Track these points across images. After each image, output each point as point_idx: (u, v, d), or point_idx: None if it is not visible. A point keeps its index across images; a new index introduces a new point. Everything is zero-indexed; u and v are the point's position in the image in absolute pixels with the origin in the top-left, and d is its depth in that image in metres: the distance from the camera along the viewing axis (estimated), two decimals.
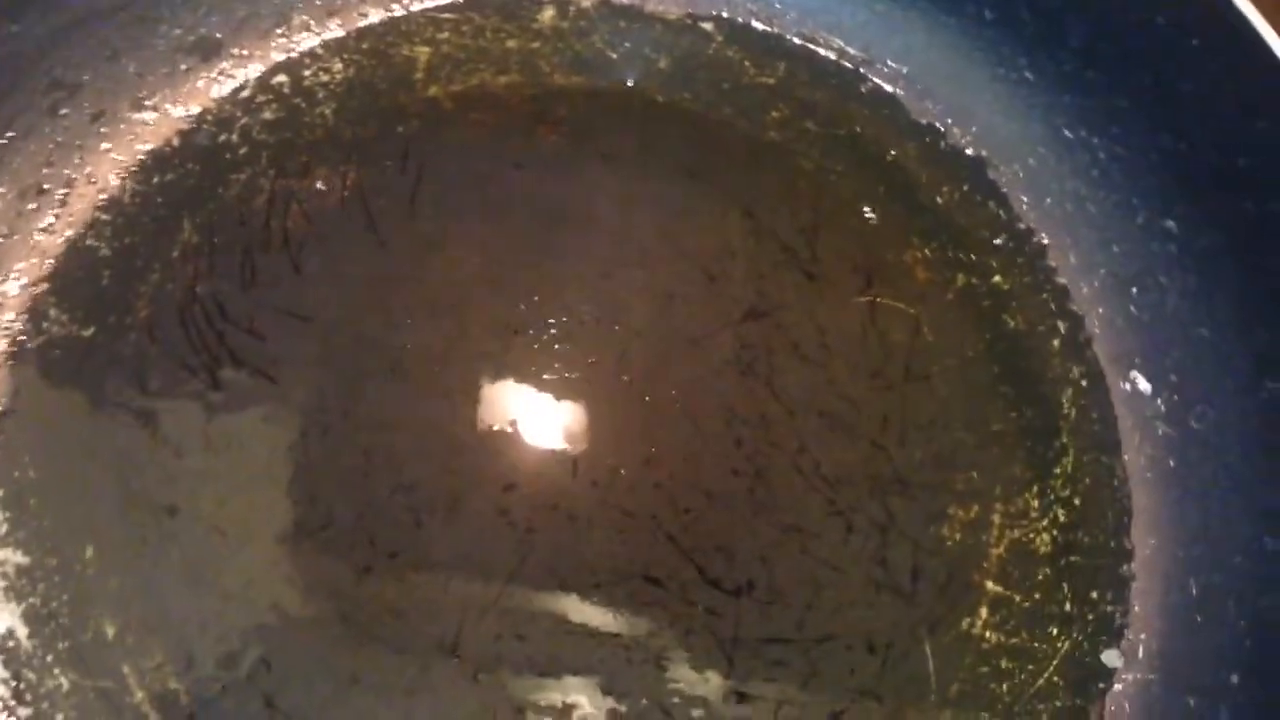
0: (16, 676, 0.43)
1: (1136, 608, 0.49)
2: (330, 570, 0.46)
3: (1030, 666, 0.48)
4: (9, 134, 0.49)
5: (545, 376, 0.50)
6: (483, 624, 0.46)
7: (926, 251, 0.55)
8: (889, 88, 0.57)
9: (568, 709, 0.45)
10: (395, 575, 0.46)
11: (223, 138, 0.53)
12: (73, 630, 0.44)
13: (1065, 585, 0.49)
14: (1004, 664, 0.48)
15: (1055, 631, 0.48)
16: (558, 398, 0.50)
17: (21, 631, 0.44)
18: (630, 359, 0.51)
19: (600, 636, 0.46)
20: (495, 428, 0.49)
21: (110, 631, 0.44)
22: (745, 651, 0.46)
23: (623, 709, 0.45)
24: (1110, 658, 0.48)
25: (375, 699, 0.44)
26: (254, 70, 0.54)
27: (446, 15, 0.57)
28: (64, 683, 0.43)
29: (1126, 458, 0.52)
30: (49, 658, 0.44)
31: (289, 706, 0.44)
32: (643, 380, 0.51)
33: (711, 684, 0.46)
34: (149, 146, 0.52)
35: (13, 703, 0.43)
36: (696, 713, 0.45)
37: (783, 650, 0.47)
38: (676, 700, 0.45)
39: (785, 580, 0.48)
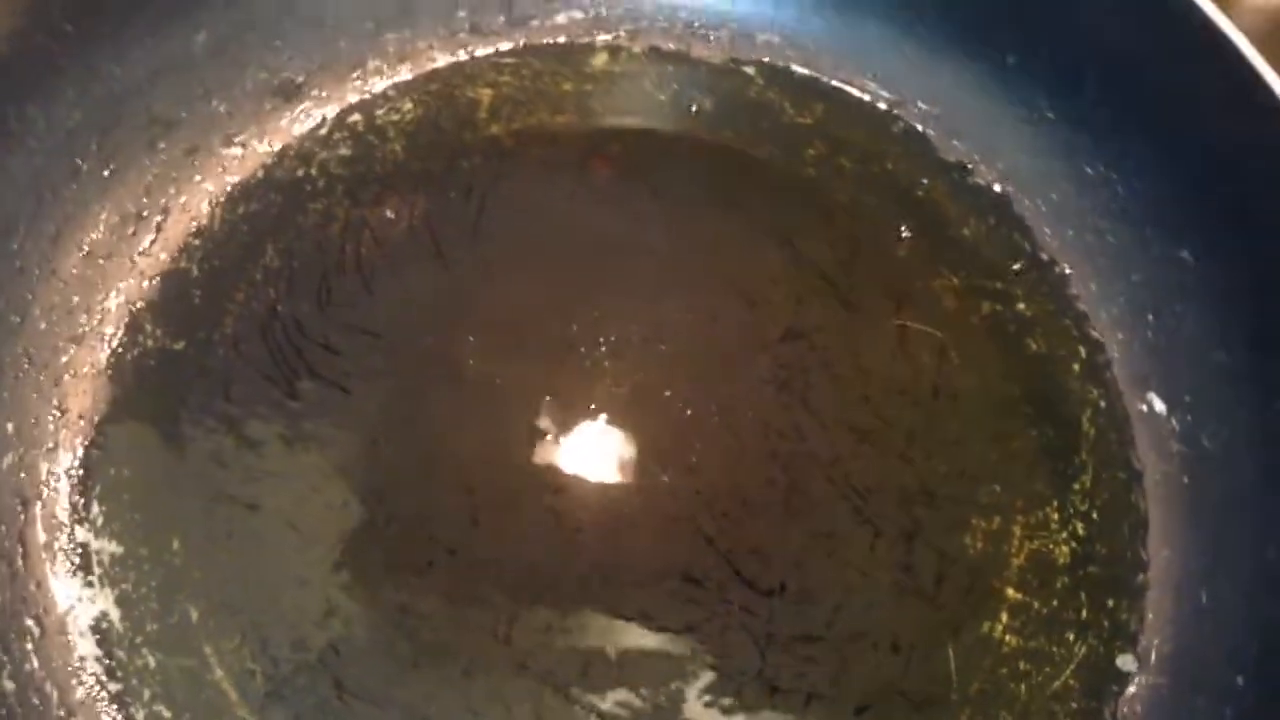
0: (109, 655, 0.48)
1: (1150, 615, 0.52)
2: (394, 564, 0.50)
3: (1048, 669, 0.50)
4: (111, 166, 0.54)
5: (595, 391, 0.54)
6: (533, 615, 0.49)
7: (954, 280, 0.58)
8: (920, 127, 0.61)
9: (609, 694, 0.48)
10: (453, 570, 0.50)
11: (302, 171, 0.58)
12: (160, 614, 0.48)
13: (1082, 593, 0.52)
14: (1022, 666, 0.50)
15: (1072, 636, 0.51)
16: (606, 410, 0.54)
17: (114, 614, 0.48)
18: (674, 376, 0.55)
19: (641, 629, 0.49)
20: (548, 436, 0.53)
21: (194, 615, 0.48)
22: (777, 648, 0.50)
23: (661, 697, 0.48)
24: (1124, 662, 0.51)
25: (434, 682, 0.48)
26: (331, 110, 0.59)
27: (507, 60, 0.61)
28: (151, 661, 0.48)
29: (1143, 474, 0.54)
30: (138, 639, 0.48)
31: (355, 687, 0.47)
32: (685, 395, 0.54)
33: (745, 677, 0.49)
34: (236, 178, 0.57)
35: (105, 679, 0.47)
36: (730, 702, 0.48)
37: (813, 648, 0.50)
38: (712, 691, 0.49)
39: (816, 582, 0.51)
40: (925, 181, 0.60)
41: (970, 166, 0.60)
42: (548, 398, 0.54)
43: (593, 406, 0.54)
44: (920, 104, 0.61)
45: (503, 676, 0.48)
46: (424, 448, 0.52)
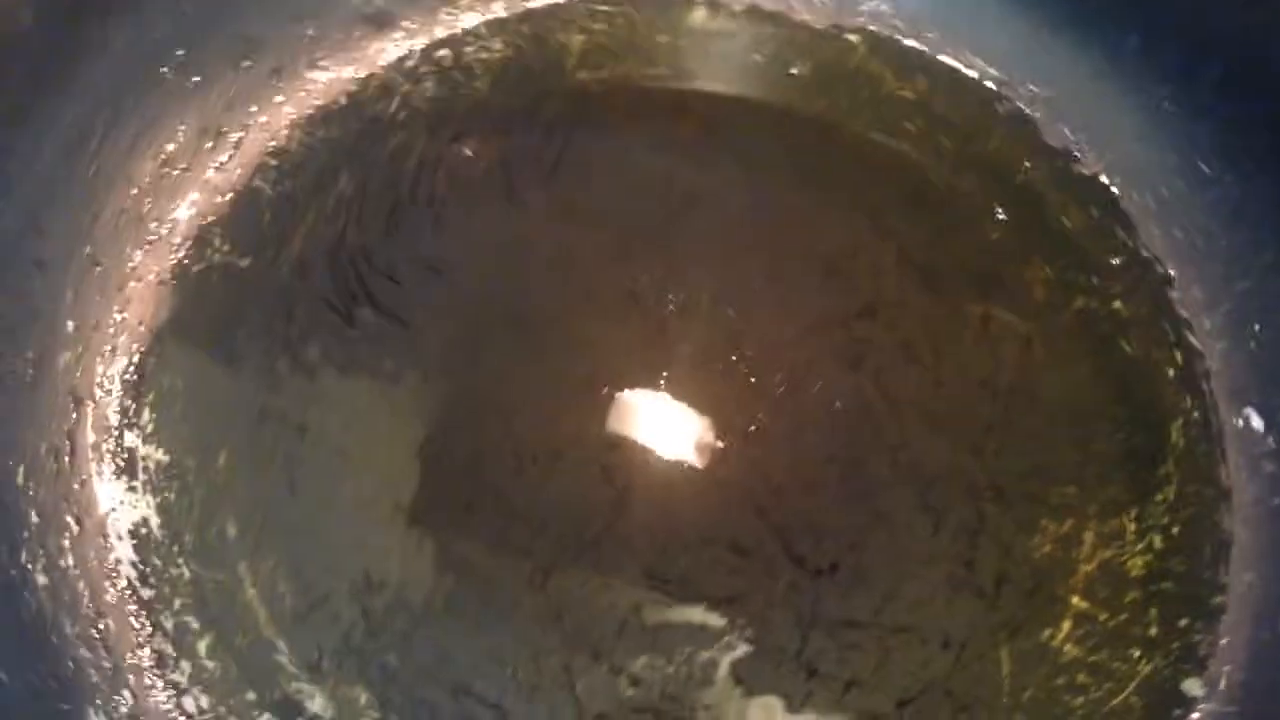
0: (145, 562, 0.47)
1: (1224, 640, 0.48)
2: (437, 501, 0.49)
3: (1108, 685, 0.48)
4: (195, 79, 0.54)
5: (658, 348, 0.52)
6: (572, 570, 0.48)
7: (1047, 270, 0.55)
8: (1026, 109, 0.58)
9: (640, 657, 0.47)
10: (496, 512, 0.49)
11: (384, 102, 0.57)
12: (199, 526, 0.48)
13: (1153, 610, 0.49)
14: (1081, 678, 0.48)
15: (1137, 654, 0.48)
16: (668, 369, 0.52)
17: (154, 521, 0.48)
18: (742, 341, 0.53)
19: (681, 596, 0.48)
20: (605, 390, 0.51)
21: (232, 532, 0.48)
22: (821, 630, 0.48)
23: (693, 667, 0.47)
24: (1191, 686, 0.48)
25: (463, 624, 0.47)
26: (420, 43, 0.58)
27: (603, 7, 0.60)
28: (185, 572, 0.47)
29: (1231, 493, 0.51)
30: (175, 548, 0.48)
31: (382, 620, 0.47)
32: (751, 362, 0.52)
33: (784, 656, 0.47)
34: (318, 103, 0.56)
35: (138, 584, 0.47)
36: (764, 680, 0.46)
37: (858, 634, 0.48)
38: (746, 666, 0.47)
39: (868, 567, 0.49)
40: (1027, 166, 0.57)
41: (1076, 154, 0.57)
42: (609, 351, 0.52)
43: (654, 364, 0.52)
44: (1029, 85, 0.58)
45: (534, 626, 0.47)
46: (478, 389, 0.51)
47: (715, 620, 0.47)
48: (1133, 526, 0.50)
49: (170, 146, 0.53)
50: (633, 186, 0.56)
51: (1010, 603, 0.48)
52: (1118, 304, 0.55)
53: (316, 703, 0.45)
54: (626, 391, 0.51)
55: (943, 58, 0.60)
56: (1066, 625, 0.48)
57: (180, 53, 0.53)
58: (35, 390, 0.48)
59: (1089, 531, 0.50)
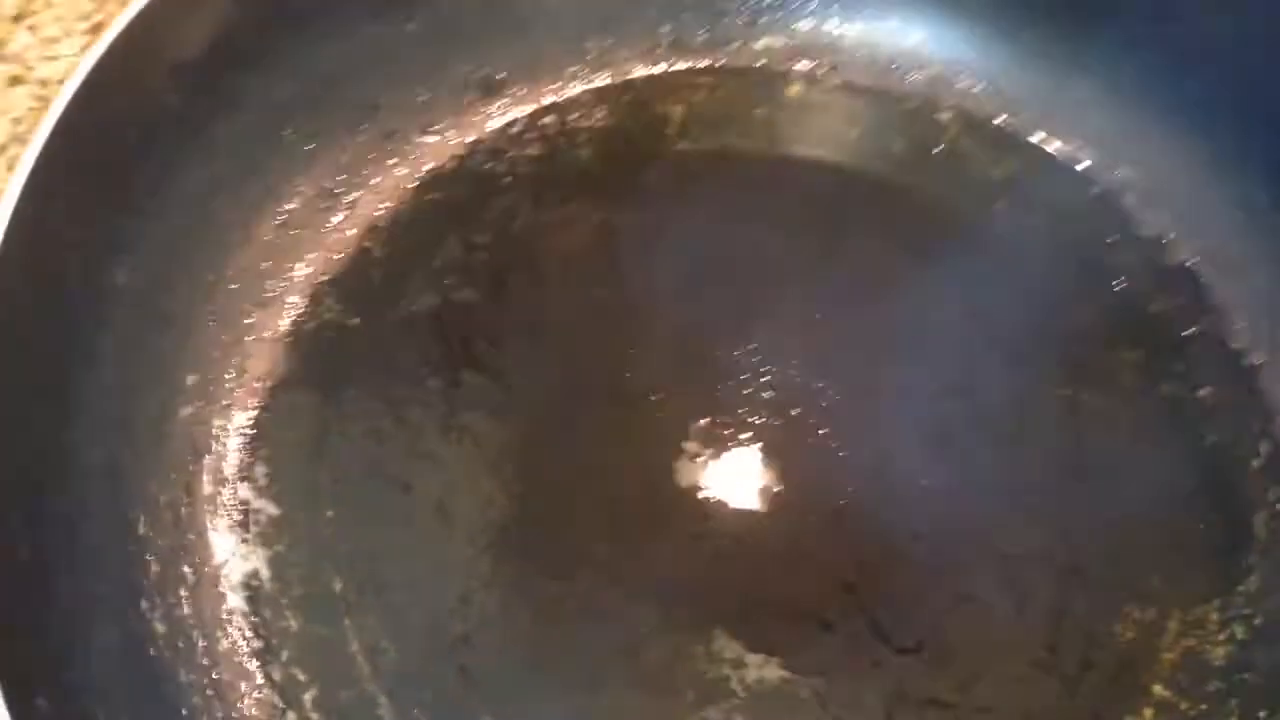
0: (256, 613, 0.49)
1: None
2: (533, 566, 0.50)
3: None
4: (315, 142, 0.56)
5: (752, 419, 0.53)
6: (664, 635, 0.49)
7: (1134, 356, 0.56)
8: (1118, 193, 0.59)
9: None
10: (590, 579, 0.50)
11: (491, 166, 0.59)
12: (307, 579, 0.50)
13: (1234, 700, 0.49)
14: None
15: None
16: (759, 441, 0.53)
17: (265, 574, 0.50)
18: (831, 416, 0.54)
19: (770, 665, 0.49)
20: (699, 459, 0.53)
21: (338, 586, 0.50)
22: (905, 708, 0.49)
23: None
24: None
25: (558, 688, 0.48)
26: (526, 109, 0.60)
27: (704, 79, 0.62)
28: (293, 624, 0.49)
29: None
30: (284, 600, 0.49)
31: (480, 680, 0.48)
32: (840, 436, 0.54)
33: None
34: (429, 166, 0.58)
35: (249, 634, 0.49)
36: None
37: (943, 714, 0.49)
38: None
39: (953, 647, 0.50)
40: (1117, 250, 0.58)
41: (1166, 241, 0.58)
42: (702, 421, 0.54)
43: (746, 436, 0.53)
44: (1123, 169, 0.59)
45: (625, 692, 0.48)
46: (575, 454, 0.53)
47: (804, 692, 0.48)
48: (1215, 616, 0.51)
49: (290, 206, 0.55)
50: (729, 257, 0.57)
51: (1093, 688, 0.49)
52: (1203, 391, 0.55)
53: None
54: (719, 461, 0.53)
55: (1034, 139, 0.61)
56: (1148, 713, 0.49)
57: (301, 116, 0.55)
58: (158, 443, 0.50)
59: (1172, 620, 0.51)
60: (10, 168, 0.59)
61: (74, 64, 0.60)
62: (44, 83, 0.62)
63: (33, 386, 0.44)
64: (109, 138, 0.47)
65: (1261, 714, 0.49)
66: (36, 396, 0.44)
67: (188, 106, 0.50)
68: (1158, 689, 0.49)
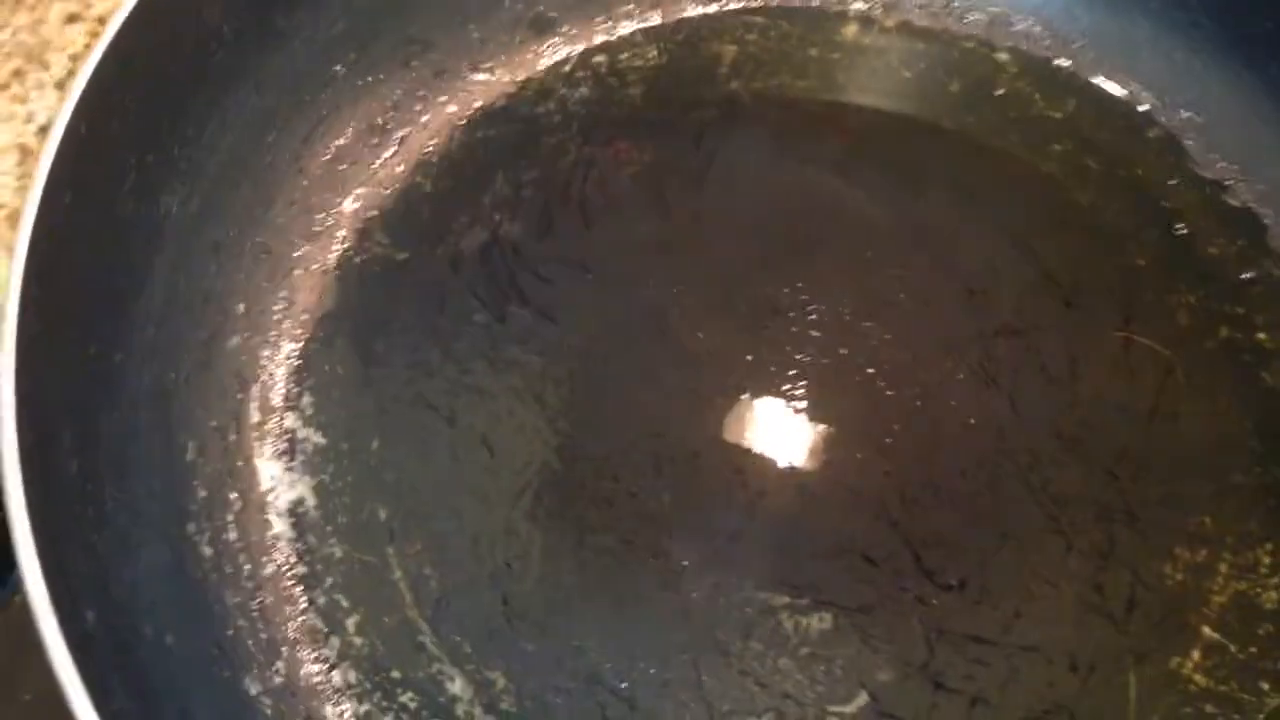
0: (300, 539, 0.50)
1: None
2: (576, 497, 0.50)
3: (1235, 716, 0.47)
4: (366, 78, 0.56)
5: (798, 357, 0.53)
6: (704, 571, 0.49)
7: (1191, 298, 0.55)
8: (1178, 135, 0.58)
9: (769, 661, 0.48)
10: (632, 512, 0.50)
11: (542, 105, 0.59)
12: (351, 508, 0.50)
13: None
14: (1208, 708, 0.47)
15: (1267, 687, 0.48)
16: (805, 379, 0.53)
17: (310, 501, 0.50)
18: (879, 355, 0.54)
19: (811, 602, 0.49)
20: (744, 397, 0.52)
21: (382, 515, 0.50)
22: (948, 645, 0.48)
23: (820, 679, 0.48)
24: None
25: (597, 617, 0.48)
26: (578, 48, 0.60)
27: (757, 19, 0.61)
28: (337, 551, 0.50)
29: None
30: (328, 528, 0.50)
31: (521, 608, 0.48)
32: (888, 376, 0.53)
33: (910, 668, 0.48)
34: (479, 104, 0.58)
35: (294, 559, 0.49)
36: (889, 690, 0.47)
37: (985, 651, 0.48)
38: (876, 677, 0.48)
39: (998, 584, 0.49)
40: (1176, 192, 0.57)
41: (1228, 183, 0.57)
42: (749, 358, 0.53)
43: (792, 373, 0.53)
44: (1183, 111, 0.58)
45: (665, 625, 0.48)
46: (620, 389, 0.53)
47: (844, 628, 0.48)
48: (1267, 560, 0.50)
49: (340, 141, 0.56)
50: (779, 197, 0.57)
51: (1140, 628, 0.48)
52: (1262, 334, 0.54)
53: (456, 684, 0.47)
54: (764, 399, 0.52)
55: (1093, 79, 0.60)
56: (1196, 654, 0.48)
57: (352, 52, 0.55)
58: (207, 370, 0.51)
59: (1223, 562, 0.50)
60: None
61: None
62: (101, 19, 0.63)
63: (84, 306, 0.45)
64: (161, 64, 0.47)
65: None
66: (88, 316, 0.45)
67: (239, 37, 0.50)
68: (1207, 630, 0.48)
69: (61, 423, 0.42)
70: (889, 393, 0.53)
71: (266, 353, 0.53)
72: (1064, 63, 0.60)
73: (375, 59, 0.56)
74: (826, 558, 0.50)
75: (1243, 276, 0.55)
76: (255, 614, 0.47)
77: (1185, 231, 0.56)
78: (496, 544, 0.50)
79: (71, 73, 0.61)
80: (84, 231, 0.44)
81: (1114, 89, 0.59)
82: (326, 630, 0.48)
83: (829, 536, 0.50)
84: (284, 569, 0.49)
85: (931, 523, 0.50)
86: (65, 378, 0.43)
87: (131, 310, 0.48)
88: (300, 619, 0.48)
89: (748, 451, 0.52)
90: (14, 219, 0.57)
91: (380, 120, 0.57)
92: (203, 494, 0.49)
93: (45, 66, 0.61)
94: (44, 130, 0.59)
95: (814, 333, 0.54)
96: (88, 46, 0.62)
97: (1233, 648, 0.48)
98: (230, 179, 0.52)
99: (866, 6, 0.61)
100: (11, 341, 0.39)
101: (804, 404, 0.52)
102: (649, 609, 0.49)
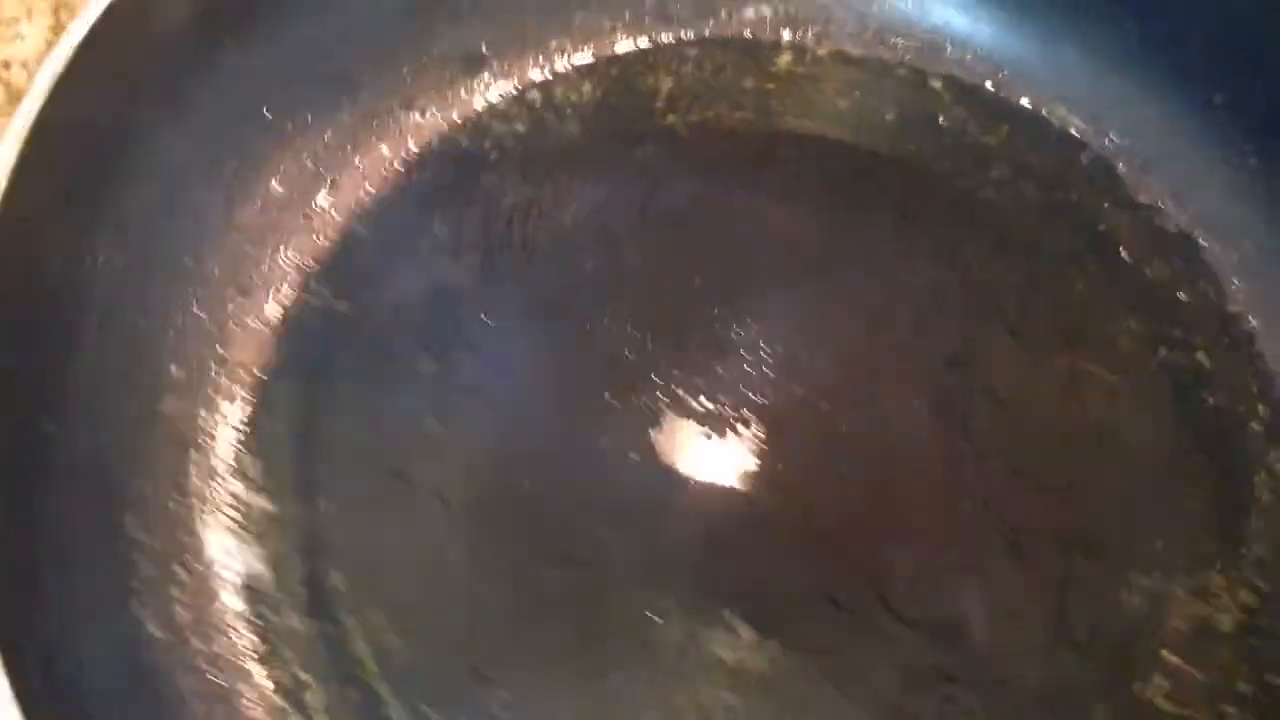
0: (255, 613, 0.48)
1: None
2: (537, 551, 0.49)
3: None
4: (294, 121, 0.54)
5: (748, 394, 0.52)
6: (671, 620, 0.48)
7: (1132, 323, 0.56)
8: (1111, 160, 0.59)
9: (745, 715, 0.47)
10: (595, 565, 0.49)
11: (477, 143, 0.57)
12: (306, 577, 0.48)
13: (1244, 665, 0.49)
14: None
15: (1232, 711, 0.49)
16: (758, 416, 0.52)
17: (262, 572, 0.48)
18: (829, 388, 0.53)
19: (779, 646, 0.48)
20: (701, 440, 0.52)
21: (338, 583, 0.48)
22: (916, 682, 0.48)
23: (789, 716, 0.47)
24: None
25: (569, 676, 0.47)
26: (511, 85, 0.58)
27: (690, 51, 0.60)
28: (294, 624, 0.48)
29: None
30: (283, 598, 0.48)
31: (490, 672, 0.47)
32: (839, 410, 0.53)
33: (881, 708, 0.48)
34: (413, 145, 0.57)
35: (249, 634, 0.47)
36: None
37: (954, 687, 0.48)
38: (846, 715, 0.47)
39: (963, 619, 0.49)
40: (1111, 216, 0.58)
41: (1160, 206, 0.58)
42: (701, 397, 0.53)
43: (744, 411, 0.52)
44: (1113, 136, 0.59)
45: (637, 678, 0.47)
46: (574, 434, 0.52)
47: (813, 671, 0.48)
48: (1222, 581, 0.51)
49: (270, 187, 0.54)
50: (722, 230, 0.56)
51: (1105, 656, 0.49)
52: (1201, 355, 0.55)
53: None
54: (719, 440, 0.52)
55: (1025, 104, 0.60)
56: (1158, 679, 0.49)
57: (281, 93, 0.53)
58: (144, 436, 0.48)
59: (1178, 586, 0.50)
60: None
61: (39, 44, 0.58)
62: (6, 64, 0.59)
63: (11, 373, 0.42)
64: (88, 114, 0.44)
65: (1273, 680, 0.49)
66: (15, 384, 0.43)
67: (167, 82, 0.48)
68: (1168, 655, 0.49)
69: None
70: (841, 427, 0.53)
71: (205, 414, 0.50)
72: (996, 88, 0.60)
73: (304, 100, 0.54)
74: (791, 600, 0.49)
75: (1181, 299, 0.56)
76: (211, 696, 0.45)
77: (1122, 255, 0.57)
78: (459, 606, 0.48)
79: None
80: (10, 293, 0.42)
81: (1046, 114, 0.60)
82: (287, 707, 0.46)
83: (791, 578, 0.50)
84: (238, 645, 0.47)
85: (893, 559, 0.50)
86: None
87: (61, 376, 0.45)
88: (258, 697, 0.46)
89: (708, 496, 0.51)
90: None
91: (311, 164, 0.55)
92: (147, 571, 0.46)
93: None
94: None
95: (764, 367, 0.53)
96: (7, 100, 0.58)
97: (1196, 672, 0.49)
98: (158, 230, 0.49)
99: (798, 36, 0.61)
100: None
101: (757, 441, 0.52)
102: (619, 661, 0.48)
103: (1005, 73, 0.60)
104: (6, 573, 0.39)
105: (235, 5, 0.50)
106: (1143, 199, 0.58)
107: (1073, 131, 0.59)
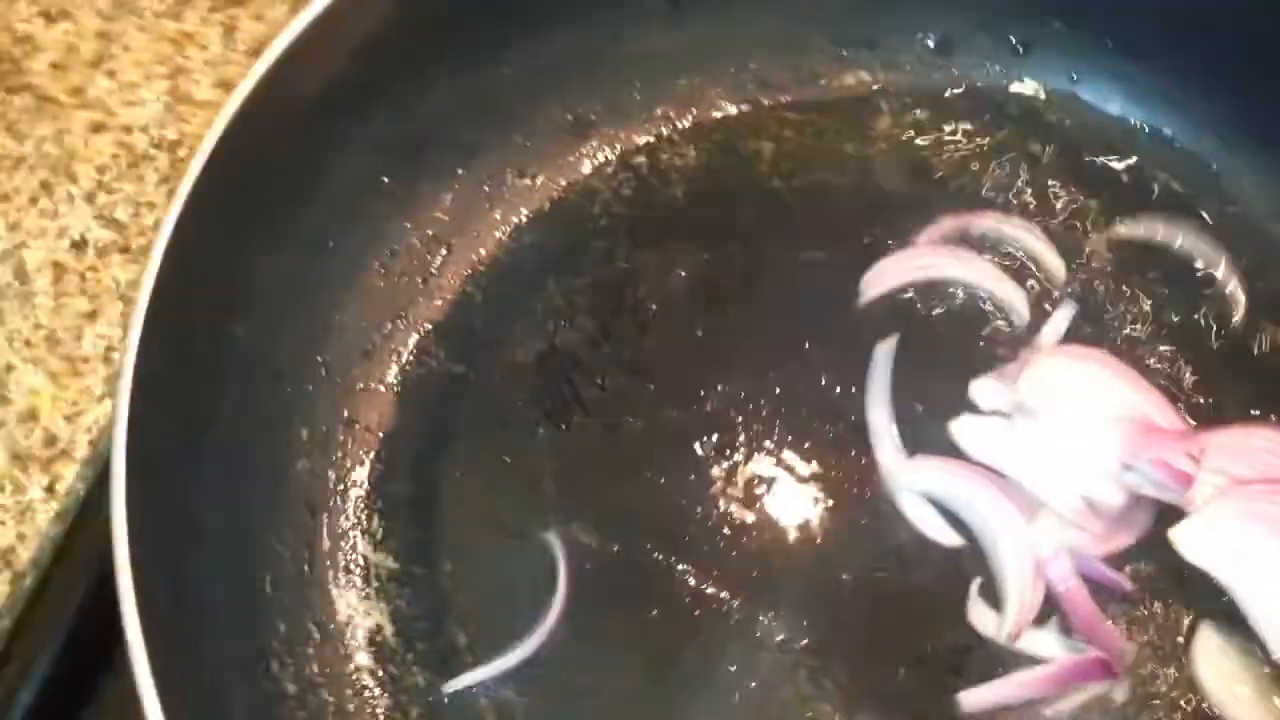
0: (382, 669, 0.49)
1: None
2: (650, 615, 0.50)
3: None
4: (415, 188, 0.56)
5: (855, 459, 0.53)
6: (781, 684, 0.49)
7: None
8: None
9: None
10: (701, 613, 0.50)
11: (586, 207, 0.59)
12: (430, 634, 0.50)
13: None
14: None
15: None
16: (868, 482, 0.53)
17: (388, 629, 0.50)
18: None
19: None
20: (821, 515, 0.52)
21: (462, 640, 0.49)
22: None
23: None
24: None
25: None
26: (618, 150, 0.60)
27: (791, 115, 0.61)
28: (420, 680, 0.49)
29: None
30: (409, 655, 0.49)
31: None
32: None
33: None
34: (525, 210, 0.58)
35: (377, 690, 0.49)
36: None
37: None
38: None
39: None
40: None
41: None
42: (808, 460, 0.53)
43: (847, 476, 0.53)
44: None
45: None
46: (688, 494, 0.52)
47: None
48: None
49: (390, 254, 0.55)
50: (829, 294, 0.57)
51: None
52: None
53: None
54: (821, 499, 0.52)
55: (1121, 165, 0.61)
56: None
57: (401, 161, 0.55)
58: (276, 500, 0.50)
59: None
60: (98, 215, 0.59)
61: (157, 109, 0.60)
62: (127, 129, 0.61)
63: (167, 453, 0.44)
64: (236, 189, 0.46)
65: None
66: (169, 462, 0.44)
67: (304, 154, 0.50)
68: None
69: (156, 577, 0.41)
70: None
71: (333, 475, 0.52)
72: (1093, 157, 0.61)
73: (424, 168, 0.56)
74: (908, 666, 0.50)
75: None
76: None
77: None
78: (577, 667, 0.49)
79: (101, 186, 0.59)
80: (169, 376, 0.44)
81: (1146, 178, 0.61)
82: None
83: (909, 644, 0.50)
84: (368, 700, 0.48)
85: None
86: (159, 531, 0.42)
87: (202, 449, 0.47)
88: None
89: (842, 569, 0.51)
90: (52, 340, 0.56)
91: (430, 230, 0.56)
92: (282, 628, 0.48)
93: (72, 179, 0.59)
94: (77, 245, 0.58)
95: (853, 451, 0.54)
96: (115, 157, 0.60)
97: None
98: (290, 300, 0.51)
99: (894, 102, 0.62)
100: (122, 509, 0.38)
101: (861, 507, 0.53)
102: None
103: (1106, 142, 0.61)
104: (166, 640, 0.40)
105: (364, 81, 0.51)
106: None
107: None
